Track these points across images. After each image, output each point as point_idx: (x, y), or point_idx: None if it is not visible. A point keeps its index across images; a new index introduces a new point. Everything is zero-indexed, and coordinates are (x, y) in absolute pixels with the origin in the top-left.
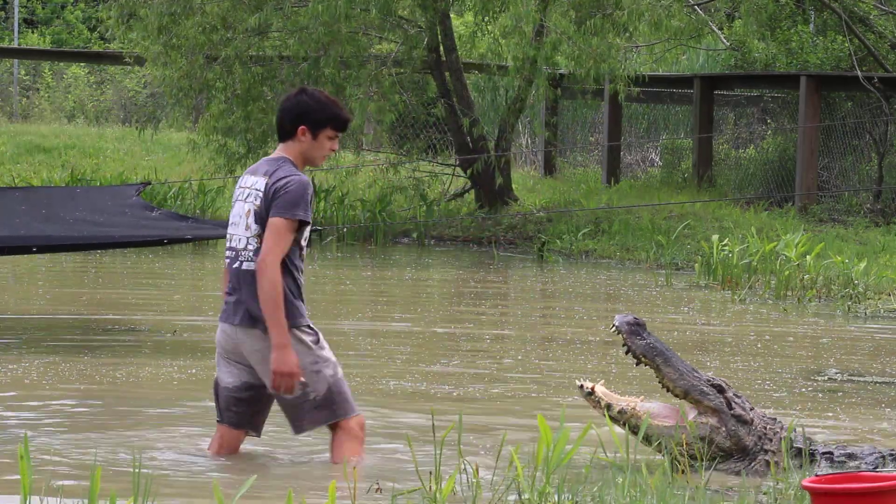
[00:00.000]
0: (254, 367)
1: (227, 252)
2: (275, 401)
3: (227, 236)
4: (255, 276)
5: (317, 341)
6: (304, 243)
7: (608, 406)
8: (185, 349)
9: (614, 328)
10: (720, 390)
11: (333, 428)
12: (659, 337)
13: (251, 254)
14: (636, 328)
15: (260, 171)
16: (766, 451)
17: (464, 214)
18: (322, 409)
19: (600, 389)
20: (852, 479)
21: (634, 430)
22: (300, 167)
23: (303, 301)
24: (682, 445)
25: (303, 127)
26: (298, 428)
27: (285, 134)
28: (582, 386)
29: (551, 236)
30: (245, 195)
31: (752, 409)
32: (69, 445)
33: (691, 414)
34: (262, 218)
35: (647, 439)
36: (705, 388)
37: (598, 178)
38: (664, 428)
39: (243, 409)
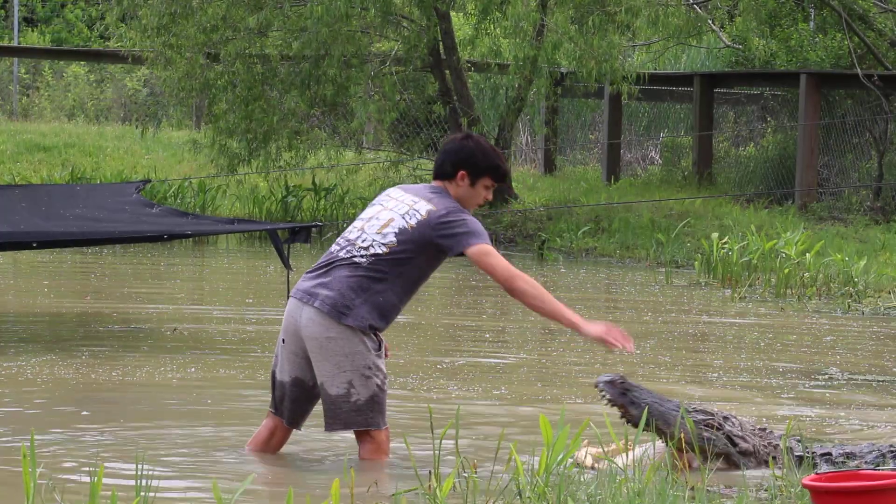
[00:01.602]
0: (308, 355)
1: (340, 241)
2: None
3: (348, 229)
4: (356, 269)
5: (378, 349)
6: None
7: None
8: (185, 347)
9: (606, 401)
10: (717, 428)
11: (362, 435)
12: (659, 336)
13: (364, 252)
14: (628, 396)
15: (422, 194)
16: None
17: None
18: (360, 414)
19: (590, 457)
20: (851, 476)
21: None
22: None
23: (387, 319)
24: (682, 450)
25: (463, 172)
26: (331, 425)
27: (444, 175)
28: (577, 464)
29: (551, 234)
30: (397, 206)
31: (742, 428)
32: (69, 445)
33: (696, 463)
34: (407, 236)
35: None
36: (706, 434)
37: (598, 177)
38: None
39: (294, 404)
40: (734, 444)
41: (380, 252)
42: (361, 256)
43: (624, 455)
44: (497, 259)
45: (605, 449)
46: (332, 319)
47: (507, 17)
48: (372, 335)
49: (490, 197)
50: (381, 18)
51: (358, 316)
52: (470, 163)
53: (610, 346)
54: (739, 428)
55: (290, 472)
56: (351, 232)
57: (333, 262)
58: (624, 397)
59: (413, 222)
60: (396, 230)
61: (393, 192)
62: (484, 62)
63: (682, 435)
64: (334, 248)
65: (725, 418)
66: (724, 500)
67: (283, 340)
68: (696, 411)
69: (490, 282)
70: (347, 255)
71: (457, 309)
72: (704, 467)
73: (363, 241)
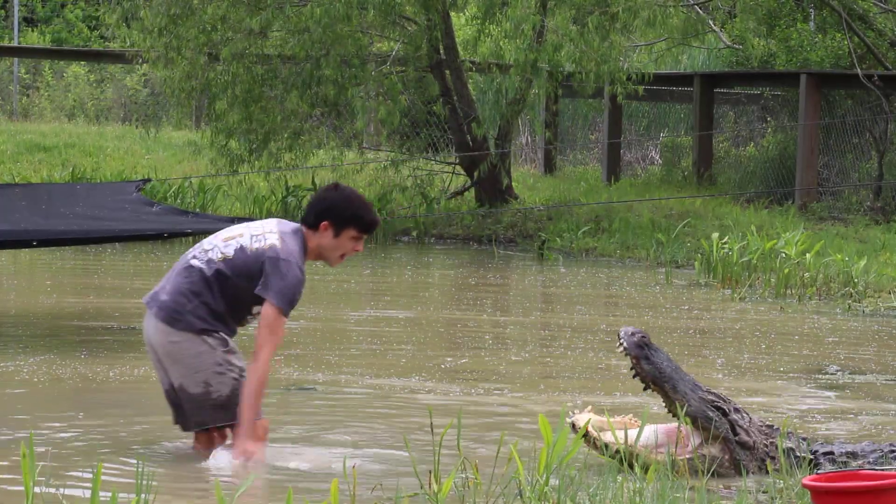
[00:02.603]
0: (163, 361)
1: (197, 244)
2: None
3: (212, 235)
4: (190, 273)
5: (225, 346)
6: (253, 312)
7: (605, 446)
8: None
9: (622, 349)
10: (724, 413)
11: (233, 428)
12: (660, 337)
13: (204, 257)
14: (644, 350)
15: (283, 230)
16: (766, 473)
17: (464, 211)
18: (225, 410)
19: (594, 422)
20: (852, 476)
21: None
22: (311, 257)
23: (225, 322)
24: (683, 469)
25: (325, 223)
26: (194, 424)
27: (308, 224)
28: (573, 425)
29: (551, 234)
30: (255, 227)
31: (750, 422)
32: (69, 444)
33: (697, 439)
34: (243, 255)
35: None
36: (711, 414)
37: (598, 177)
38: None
39: (175, 410)
40: (735, 433)
41: (215, 259)
42: (200, 260)
43: (627, 431)
44: (274, 332)
45: (613, 419)
46: (168, 326)
47: (508, 19)
48: (214, 334)
49: (360, 248)
50: (381, 19)
51: (188, 321)
52: (333, 213)
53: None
54: (748, 422)
55: (291, 472)
56: (210, 237)
57: (178, 264)
58: (640, 350)
59: (255, 246)
60: (238, 246)
61: (268, 221)
62: (486, 63)
63: (686, 407)
64: (190, 248)
65: (736, 409)
66: (723, 501)
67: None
68: (710, 392)
69: (490, 282)
70: (189, 258)
71: (457, 308)
72: (699, 457)
73: (210, 244)
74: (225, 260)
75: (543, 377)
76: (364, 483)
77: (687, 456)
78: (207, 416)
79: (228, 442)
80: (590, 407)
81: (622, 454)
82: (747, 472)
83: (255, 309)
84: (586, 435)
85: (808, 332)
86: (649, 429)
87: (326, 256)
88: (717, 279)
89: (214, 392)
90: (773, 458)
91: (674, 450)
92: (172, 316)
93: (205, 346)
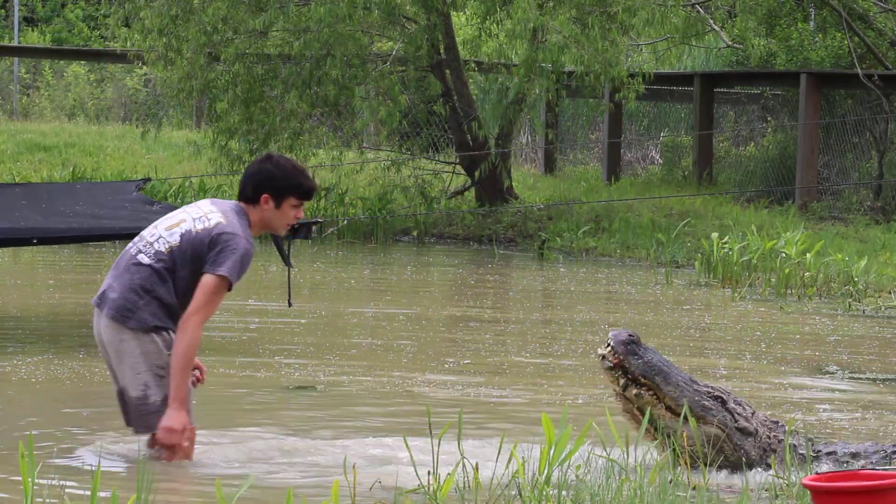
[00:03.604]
0: (112, 361)
1: (138, 236)
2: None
3: (152, 224)
4: (139, 269)
5: (170, 348)
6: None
7: (626, 386)
8: None
9: (609, 348)
10: (722, 402)
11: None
12: (660, 336)
13: (150, 249)
14: (632, 347)
15: (222, 208)
16: (769, 466)
17: (465, 210)
18: (159, 415)
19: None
20: (852, 476)
21: (642, 412)
22: (257, 231)
23: (175, 317)
24: (691, 446)
25: (265, 195)
26: (137, 428)
27: (247, 199)
28: (604, 356)
29: (551, 234)
30: (194, 211)
31: (753, 414)
32: (68, 444)
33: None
34: (189, 238)
35: (655, 427)
36: (706, 403)
37: (599, 176)
38: (674, 421)
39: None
40: (734, 420)
41: (162, 249)
42: (146, 254)
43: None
44: (211, 299)
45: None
46: (119, 324)
47: (511, 17)
48: (164, 333)
49: (301, 215)
50: (383, 18)
51: (141, 318)
52: (271, 185)
53: (159, 438)
54: (749, 413)
55: (290, 473)
56: (149, 227)
57: (123, 260)
58: (624, 347)
59: (199, 227)
60: (183, 231)
61: (202, 202)
62: (489, 63)
63: (680, 397)
64: (131, 243)
65: (737, 402)
66: (725, 500)
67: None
68: (706, 385)
69: (490, 281)
70: (135, 253)
71: (457, 308)
72: (703, 452)
73: (152, 235)
74: (172, 250)
75: (544, 376)
76: (364, 482)
77: (687, 436)
78: (151, 420)
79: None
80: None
81: (643, 400)
82: (749, 459)
83: None
84: (614, 368)
85: (808, 331)
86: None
87: (272, 227)
88: (717, 279)
89: (151, 396)
90: (775, 450)
91: (681, 424)
92: (124, 314)
93: (152, 346)
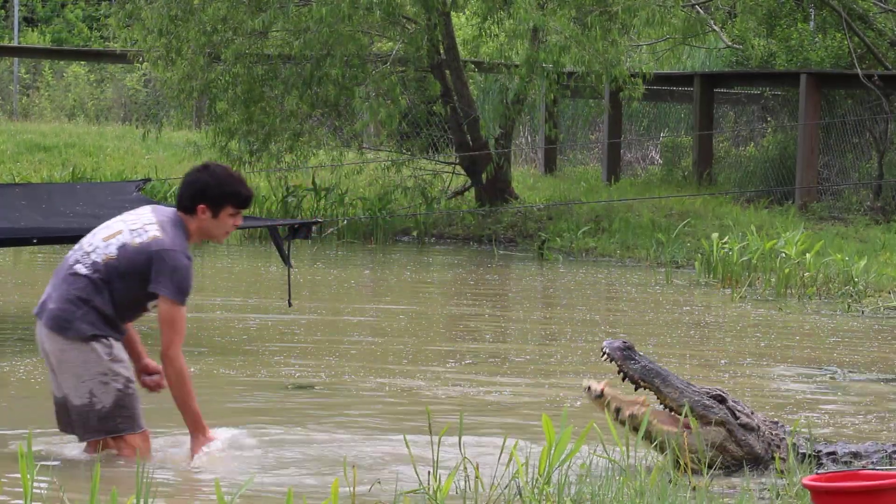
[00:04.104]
0: (55, 370)
1: (77, 245)
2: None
3: (91, 232)
4: (76, 280)
5: (110, 354)
6: (149, 307)
7: (617, 410)
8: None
9: (605, 355)
10: (721, 401)
11: (116, 441)
12: (660, 336)
13: (87, 260)
14: (628, 352)
15: (160, 219)
16: (774, 459)
17: (465, 210)
18: (108, 420)
19: (609, 391)
20: (852, 477)
21: (644, 436)
22: (195, 240)
23: (115, 326)
24: (693, 452)
25: (202, 206)
26: (83, 436)
27: (185, 209)
28: (590, 388)
29: (551, 234)
30: (132, 220)
31: (752, 413)
32: (68, 444)
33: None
34: (126, 252)
35: (656, 443)
36: (707, 402)
37: (599, 176)
38: (672, 433)
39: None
40: (735, 417)
41: (98, 261)
42: (83, 264)
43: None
44: (177, 329)
45: (628, 397)
46: (58, 334)
47: (511, 17)
48: (103, 340)
49: (239, 222)
50: (384, 19)
51: (79, 329)
52: (207, 195)
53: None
54: (749, 411)
55: (290, 473)
56: (88, 235)
57: (62, 269)
58: (622, 352)
59: (137, 241)
60: (119, 244)
61: (142, 208)
62: (490, 63)
63: (680, 397)
64: (71, 250)
65: (735, 401)
66: (725, 501)
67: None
68: (704, 388)
69: (490, 281)
70: (73, 263)
71: (457, 308)
72: (704, 451)
73: (90, 245)
74: (108, 261)
75: (544, 376)
76: (364, 482)
77: (689, 437)
78: (94, 427)
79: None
80: (604, 383)
81: (636, 421)
82: (755, 454)
83: (151, 303)
84: (601, 396)
85: (808, 331)
86: (657, 409)
87: (211, 236)
88: (717, 279)
89: (98, 403)
90: (779, 446)
91: (679, 430)
92: (62, 325)
93: (92, 355)
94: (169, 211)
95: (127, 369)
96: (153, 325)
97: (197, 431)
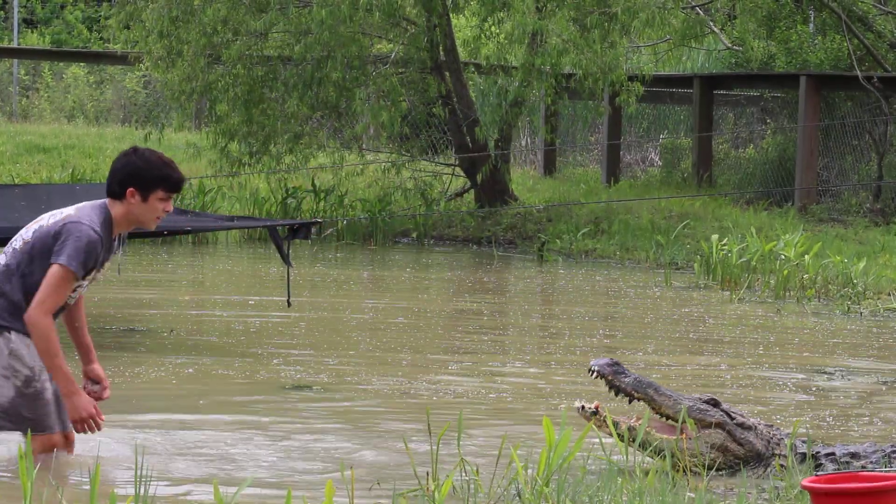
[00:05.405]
0: None
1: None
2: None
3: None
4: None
5: (9, 349)
6: (71, 297)
7: (615, 424)
8: (184, 347)
9: (594, 374)
10: (715, 404)
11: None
12: (659, 338)
13: (10, 251)
14: (617, 367)
15: (79, 205)
16: (776, 456)
17: (464, 212)
18: (6, 418)
19: (603, 410)
20: (852, 478)
21: (642, 446)
22: (125, 227)
23: (17, 317)
24: (694, 456)
25: (131, 189)
26: None
27: (114, 194)
28: (583, 407)
29: (551, 236)
30: (56, 212)
31: (747, 416)
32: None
33: (690, 441)
34: (39, 234)
35: (652, 447)
36: (702, 406)
37: (598, 178)
38: (671, 440)
39: None
40: (731, 418)
41: (17, 247)
42: (6, 254)
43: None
44: (53, 293)
45: (620, 418)
46: None
47: (511, 18)
48: (5, 332)
49: (170, 208)
50: (384, 20)
51: None
52: (137, 179)
53: (79, 430)
54: (744, 414)
55: (290, 473)
56: (15, 237)
57: None
58: (611, 367)
59: (51, 221)
60: (36, 227)
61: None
62: (489, 66)
63: (675, 404)
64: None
65: (728, 406)
66: (725, 502)
67: None
68: (695, 395)
69: (490, 283)
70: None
71: (456, 309)
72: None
73: (16, 237)
74: (23, 247)
75: (544, 378)
76: (363, 483)
77: (688, 443)
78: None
79: None
80: (596, 402)
81: (634, 432)
82: (756, 451)
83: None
84: (596, 413)
85: (807, 333)
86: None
87: (141, 221)
88: (716, 281)
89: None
90: (778, 444)
91: (677, 436)
92: None
93: None
94: (98, 201)
95: (25, 366)
96: (140, 324)
97: (70, 393)
